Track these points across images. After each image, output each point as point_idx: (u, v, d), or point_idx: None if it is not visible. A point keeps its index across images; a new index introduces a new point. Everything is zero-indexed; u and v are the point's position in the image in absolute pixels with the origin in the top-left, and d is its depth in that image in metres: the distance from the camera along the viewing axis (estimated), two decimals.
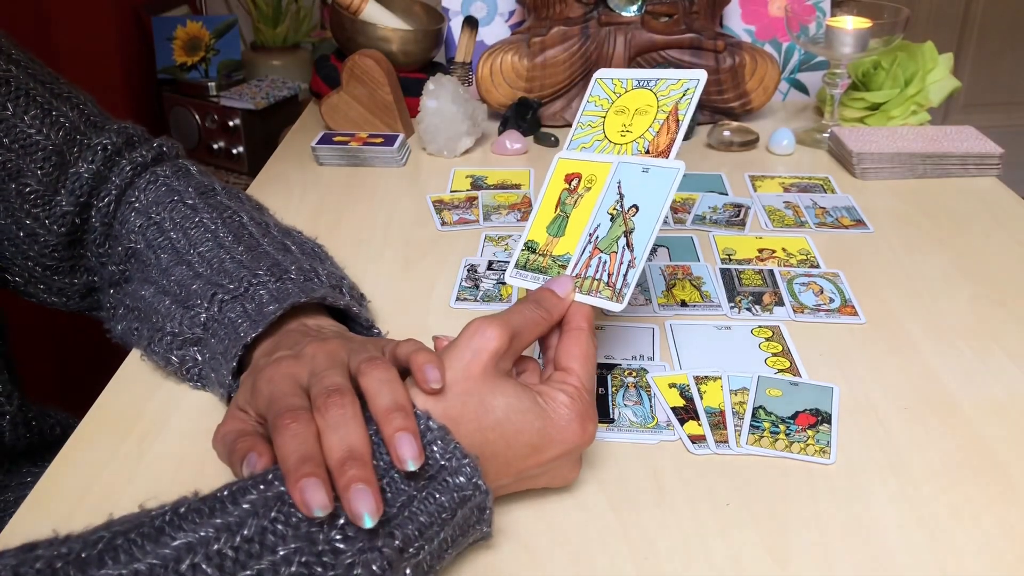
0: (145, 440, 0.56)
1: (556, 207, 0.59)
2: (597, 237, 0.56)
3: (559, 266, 0.56)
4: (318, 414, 0.43)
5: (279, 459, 0.42)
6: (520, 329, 0.49)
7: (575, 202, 0.58)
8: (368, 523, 0.39)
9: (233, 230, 0.63)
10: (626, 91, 0.60)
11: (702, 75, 0.57)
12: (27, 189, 0.62)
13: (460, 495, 0.42)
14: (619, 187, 0.56)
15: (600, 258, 0.55)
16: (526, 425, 0.46)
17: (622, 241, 0.54)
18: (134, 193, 0.65)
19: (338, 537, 0.38)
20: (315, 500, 0.38)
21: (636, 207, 0.55)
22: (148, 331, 0.60)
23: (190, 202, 0.64)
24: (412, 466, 0.41)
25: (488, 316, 0.48)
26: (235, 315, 0.56)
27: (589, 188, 0.58)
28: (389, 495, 0.41)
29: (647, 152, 0.57)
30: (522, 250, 0.59)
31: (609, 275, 0.54)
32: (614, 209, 0.56)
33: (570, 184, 0.59)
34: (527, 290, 0.57)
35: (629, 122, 0.59)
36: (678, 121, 0.57)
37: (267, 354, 0.53)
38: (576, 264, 0.56)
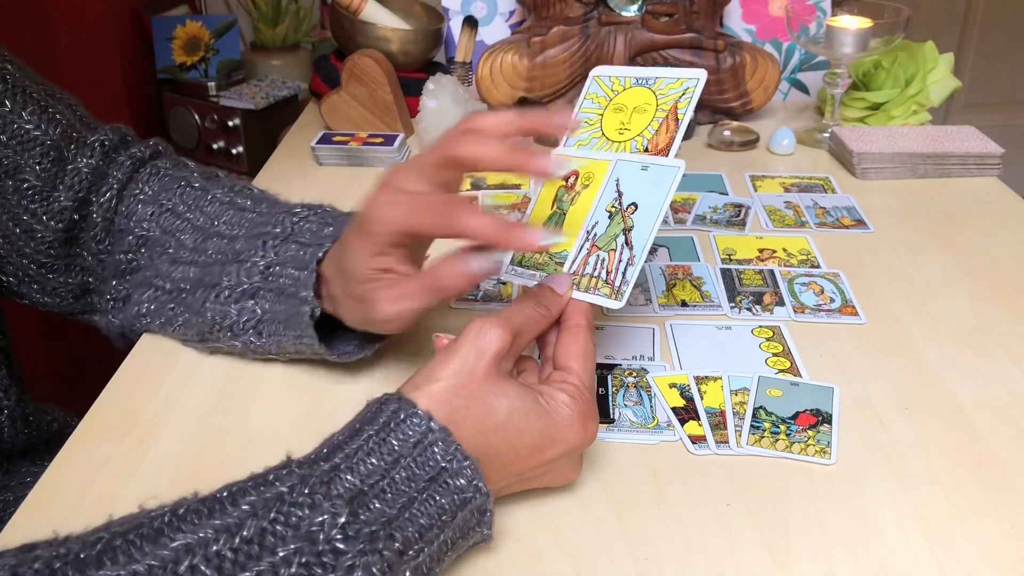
0: (145, 440, 0.56)
1: (552, 204, 0.59)
2: (595, 235, 0.56)
3: (556, 263, 0.56)
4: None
5: (476, 233, 0.49)
6: (521, 328, 0.49)
7: (572, 199, 0.58)
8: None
9: (249, 196, 0.65)
10: (624, 89, 0.60)
11: (702, 74, 0.57)
12: (25, 185, 0.62)
13: (460, 497, 0.42)
14: (617, 184, 0.56)
15: (598, 255, 0.55)
16: (528, 426, 0.46)
17: (621, 239, 0.54)
18: (137, 186, 0.66)
19: (339, 537, 0.38)
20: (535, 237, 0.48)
21: (635, 205, 0.55)
22: (200, 293, 0.61)
23: (197, 184, 0.66)
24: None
25: (489, 315, 0.48)
26: (292, 252, 0.57)
27: (587, 185, 0.58)
28: (389, 496, 0.41)
29: (646, 150, 0.57)
30: None
31: (608, 273, 0.54)
32: (612, 207, 0.56)
33: (567, 181, 0.59)
34: (524, 287, 0.57)
35: (627, 120, 0.58)
36: (677, 120, 0.56)
37: (333, 274, 0.55)
38: (573, 261, 0.55)
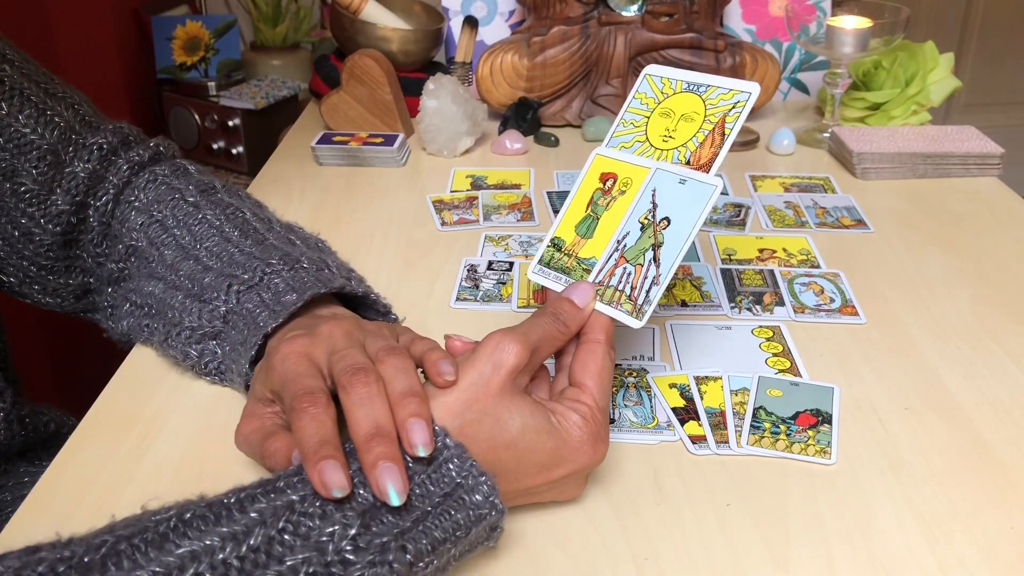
0: (145, 440, 0.56)
1: (587, 206, 0.57)
2: (625, 246, 0.54)
3: (583, 269, 0.55)
4: (343, 392, 0.44)
5: (297, 442, 0.42)
6: (539, 344, 0.48)
7: (607, 204, 0.56)
8: (395, 500, 0.39)
9: (238, 225, 0.63)
10: (674, 92, 0.58)
11: (755, 88, 0.55)
12: (22, 188, 0.62)
13: (476, 513, 0.42)
14: (653, 196, 0.54)
15: (625, 268, 0.53)
16: (539, 445, 0.46)
17: (649, 254, 0.53)
18: (133, 192, 0.65)
19: (348, 548, 0.38)
20: (334, 481, 0.39)
21: (668, 220, 0.53)
22: (164, 326, 0.60)
23: (191, 199, 0.64)
24: (423, 452, 0.41)
25: (507, 330, 0.47)
26: (252, 305, 0.56)
27: (623, 192, 0.56)
28: (403, 510, 0.41)
29: (688, 163, 0.54)
30: (548, 246, 0.57)
31: (632, 288, 0.52)
32: (645, 218, 0.54)
33: (604, 184, 0.57)
34: (541, 287, 0.56)
35: (673, 127, 0.56)
36: (724, 135, 0.54)
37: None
38: (600, 270, 0.54)
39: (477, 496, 0.42)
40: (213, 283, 0.58)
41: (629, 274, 0.53)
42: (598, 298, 0.53)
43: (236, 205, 0.65)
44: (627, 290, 0.52)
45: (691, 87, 0.57)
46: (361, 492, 0.40)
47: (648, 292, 0.52)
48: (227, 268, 0.59)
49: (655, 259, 0.52)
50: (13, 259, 0.65)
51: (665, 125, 0.57)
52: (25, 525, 0.50)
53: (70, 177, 0.63)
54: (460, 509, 0.42)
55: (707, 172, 0.53)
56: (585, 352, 0.50)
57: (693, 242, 0.80)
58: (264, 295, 0.56)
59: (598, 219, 0.56)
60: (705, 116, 0.55)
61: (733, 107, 0.55)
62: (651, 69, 0.60)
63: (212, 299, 0.58)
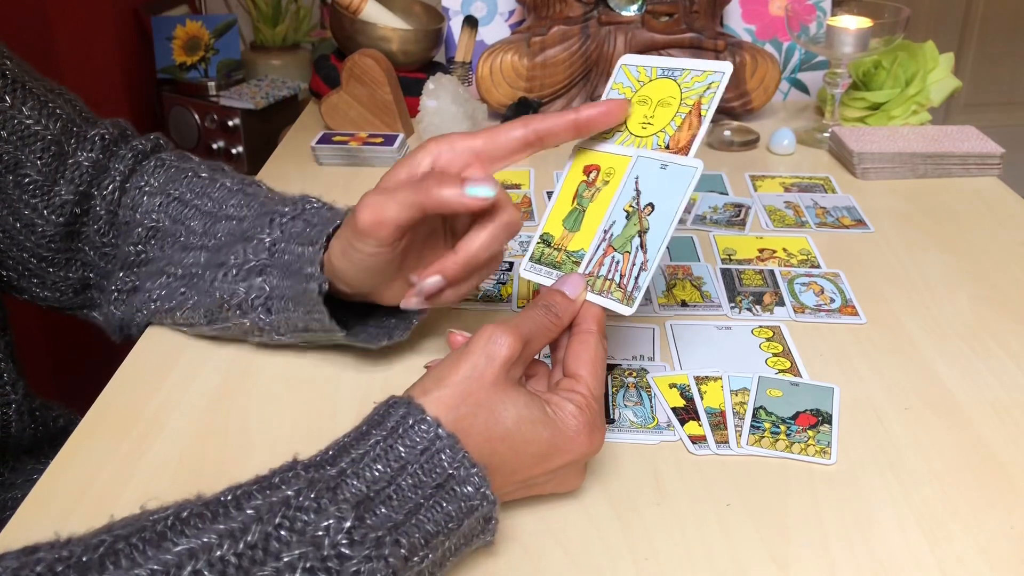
0: (145, 440, 0.56)
1: (573, 200, 0.57)
2: (611, 235, 0.54)
3: (573, 262, 0.55)
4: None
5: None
6: (532, 336, 0.49)
7: (592, 196, 0.57)
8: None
9: (259, 186, 0.66)
10: (650, 79, 0.58)
11: (727, 68, 0.55)
12: (26, 180, 0.63)
13: (468, 504, 0.42)
14: (636, 183, 0.55)
15: (613, 257, 0.54)
16: (534, 436, 0.46)
17: (636, 241, 0.53)
18: (142, 178, 0.66)
19: (344, 542, 0.38)
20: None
21: (652, 206, 0.53)
22: (210, 273, 0.61)
23: (204, 174, 0.66)
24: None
25: (501, 323, 0.48)
26: (299, 229, 0.57)
27: (607, 182, 0.56)
28: (396, 502, 0.41)
29: (667, 147, 0.55)
30: (537, 243, 0.58)
31: (621, 276, 0.53)
32: (630, 206, 0.54)
33: (588, 176, 0.57)
34: (539, 285, 0.56)
35: (651, 114, 0.56)
36: (700, 117, 0.54)
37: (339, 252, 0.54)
38: (589, 262, 0.55)
39: (468, 487, 0.42)
40: (255, 223, 0.60)
41: (617, 262, 0.53)
42: (588, 288, 0.53)
43: (248, 179, 0.67)
44: (616, 278, 0.53)
45: (666, 72, 0.58)
46: (354, 483, 0.40)
47: (637, 278, 0.52)
48: (264, 208, 0.61)
49: (642, 245, 0.53)
50: (13, 251, 0.65)
51: (643, 113, 0.57)
52: (24, 525, 0.50)
53: (74, 167, 0.64)
54: (452, 501, 0.42)
55: (686, 155, 0.54)
56: (578, 343, 0.50)
57: (691, 238, 0.81)
58: (311, 219, 0.58)
59: (584, 211, 0.57)
60: (681, 100, 0.56)
61: (708, 88, 0.55)
62: (626, 59, 0.60)
63: (256, 235, 0.59)
